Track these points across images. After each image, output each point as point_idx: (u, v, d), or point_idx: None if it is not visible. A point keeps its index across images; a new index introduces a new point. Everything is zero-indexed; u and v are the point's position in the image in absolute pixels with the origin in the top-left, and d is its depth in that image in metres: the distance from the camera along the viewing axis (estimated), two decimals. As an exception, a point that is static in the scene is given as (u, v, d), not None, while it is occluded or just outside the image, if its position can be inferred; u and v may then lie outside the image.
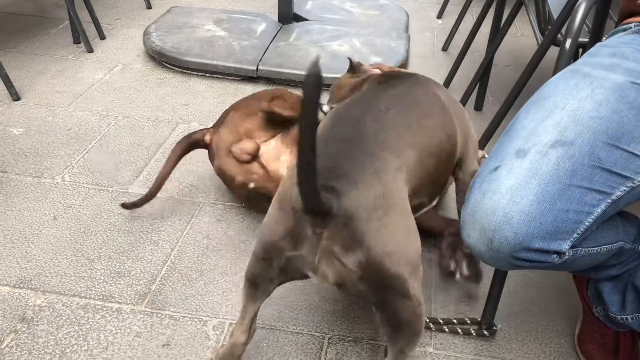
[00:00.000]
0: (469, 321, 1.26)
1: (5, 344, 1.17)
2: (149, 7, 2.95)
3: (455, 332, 1.25)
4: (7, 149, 1.79)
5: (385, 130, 0.99)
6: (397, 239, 0.88)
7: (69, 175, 1.68)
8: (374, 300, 0.91)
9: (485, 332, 1.23)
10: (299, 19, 2.73)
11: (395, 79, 1.18)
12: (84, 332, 1.21)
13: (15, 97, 2.06)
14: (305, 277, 0.93)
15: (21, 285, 1.31)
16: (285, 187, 0.92)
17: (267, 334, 1.24)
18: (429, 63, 2.53)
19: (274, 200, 0.95)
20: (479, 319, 1.25)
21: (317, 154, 0.79)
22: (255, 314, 1.05)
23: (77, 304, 1.27)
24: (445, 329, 1.24)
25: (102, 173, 1.70)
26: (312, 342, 1.22)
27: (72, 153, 1.78)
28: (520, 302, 1.36)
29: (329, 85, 2.27)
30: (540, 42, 1.56)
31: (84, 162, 1.74)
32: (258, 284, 1.00)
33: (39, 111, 2.00)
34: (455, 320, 1.26)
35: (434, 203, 1.21)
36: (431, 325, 1.24)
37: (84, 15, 2.52)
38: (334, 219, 0.84)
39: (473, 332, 1.24)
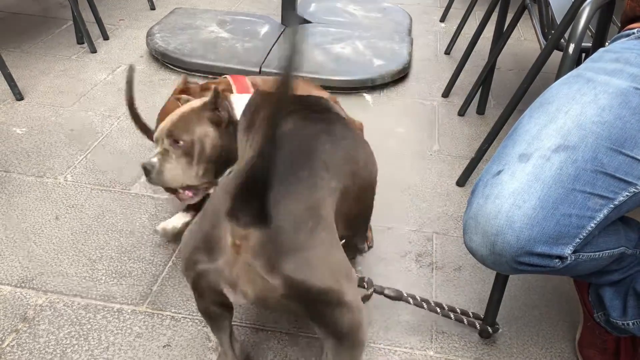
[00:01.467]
0: (472, 315, 1.26)
1: (6, 344, 1.17)
2: (152, 8, 2.95)
3: (460, 321, 1.24)
4: (9, 148, 1.79)
5: (334, 153, 0.98)
6: (323, 252, 0.82)
7: (72, 176, 1.69)
8: (308, 315, 0.85)
9: (489, 329, 1.23)
10: (302, 21, 2.73)
11: (315, 111, 1.14)
12: (85, 332, 1.21)
13: (19, 96, 2.06)
14: (221, 295, 0.84)
15: (23, 284, 1.31)
16: (215, 193, 0.89)
17: (267, 335, 1.24)
18: (431, 66, 2.53)
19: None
20: (481, 316, 1.25)
21: (258, 164, 0.75)
22: (231, 336, 1.04)
23: (78, 304, 1.27)
24: (451, 315, 1.24)
25: (104, 173, 1.70)
26: (314, 344, 1.22)
27: (75, 153, 1.79)
28: (521, 306, 1.36)
29: (331, 88, 2.27)
30: (543, 46, 1.57)
31: (87, 163, 1.75)
32: (209, 314, 0.97)
33: (42, 111, 2.00)
34: (459, 310, 1.26)
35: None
36: (437, 309, 1.24)
37: (87, 16, 2.52)
38: (259, 228, 0.77)
39: (477, 326, 1.24)
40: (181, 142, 1.24)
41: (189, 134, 1.24)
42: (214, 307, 0.95)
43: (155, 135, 1.29)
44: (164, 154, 1.26)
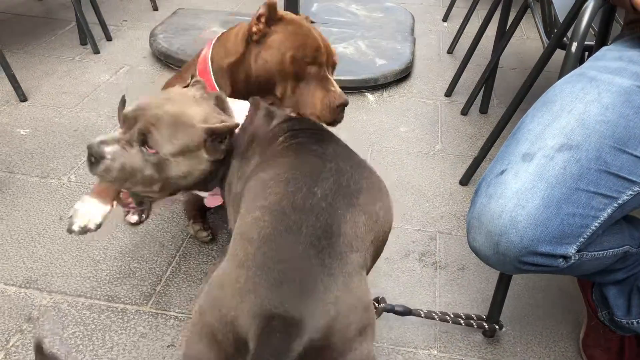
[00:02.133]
0: (475, 317, 1.26)
1: (11, 344, 1.17)
2: (155, 9, 2.96)
3: (470, 326, 1.24)
4: (14, 149, 1.79)
5: (355, 223, 0.85)
6: (370, 350, 0.79)
7: (75, 176, 1.69)
8: None
9: (494, 327, 1.23)
10: (304, 21, 2.73)
11: (329, 146, 1.00)
12: (89, 332, 1.21)
13: (23, 97, 2.07)
14: None
15: (27, 285, 1.32)
16: (226, 294, 0.75)
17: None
18: (434, 65, 2.53)
19: (194, 323, 0.78)
20: (484, 317, 1.25)
21: (274, 255, 0.74)
22: None
23: (82, 304, 1.28)
24: (461, 321, 1.25)
25: (108, 174, 1.70)
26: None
27: (79, 154, 1.79)
28: (525, 305, 1.35)
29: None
30: (546, 45, 1.56)
31: (90, 163, 1.75)
32: None
33: (45, 112, 2.01)
34: (464, 315, 1.26)
35: None
36: (447, 317, 1.24)
37: (90, 17, 2.53)
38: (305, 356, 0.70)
39: (485, 326, 1.23)
40: (159, 153, 0.96)
41: (173, 147, 0.96)
42: None
43: (127, 113, 1.00)
44: (127, 145, 0.97)
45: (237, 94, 1.15)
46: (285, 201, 0.84)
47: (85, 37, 2.50)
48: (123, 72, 2.32)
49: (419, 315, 1.23)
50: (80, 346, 1.18)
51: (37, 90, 2.14)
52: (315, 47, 1.13)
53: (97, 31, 2.56)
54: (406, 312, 1.21)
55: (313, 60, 1.13)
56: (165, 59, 2.37)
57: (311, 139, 1.00)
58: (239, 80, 1.16)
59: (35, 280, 1.33)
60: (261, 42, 1.14)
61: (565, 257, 0.89)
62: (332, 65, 1.18)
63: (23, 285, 1.32)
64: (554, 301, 1.37)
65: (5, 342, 1.18)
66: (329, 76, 1.15)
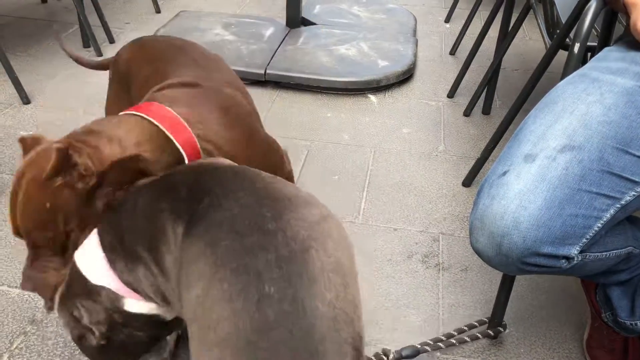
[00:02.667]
0: (477, 324, 1.26)
1: (14, 346, 1.18)
2: (158, 11, 2.96)
3: (475, 338, 1.22)
4: (17, 152, 1.80)
5: (325, 300, 0.69)
6: None
7: (78, 179, 1.69)
8: None
9: (498, 329, 1.22)
10: (307, 23, 2.73)
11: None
12: (92, 335, 1.21)
13: (25, 100, 2.07)
14: None
15: (31, 287, 1.32)
16: None
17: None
18: (436, 67, 2.53)
19: None
20: (486, 320, 1.24)
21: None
22: None
23: (86, 306, 1.28)
24: (467, 338, 1.22)
25: (111, 176, 1.71)
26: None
27: (82, 156, 1.79)
28: (528, 306, 1.35)
29: (336, 90, 2.28)
30: (548, 46, 1.56)
31: (93, 166, 1.75)
32: None
33: (48, 115, 2.01)
34: (467, 327, 1.25)
35: None
36: (452, 341, 1.22)
37: (93, 20, 2.53)
38: None
39: (490, 333, 1.23)
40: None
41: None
42: None
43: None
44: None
45: None
46: (241, 323, 0.66)
47: (88, 40, 2.51)
48: (126, 74, 2.32)
49: (427, 352, 1.20)
50: (84, 348, 1.18)
51: (40, 93, 2.15)
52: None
53: (100, 34, 2.57)
54: (414, 353, 1.18)
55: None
56: (167, 62, 2.37)
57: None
58: None
59: (38, 283, 1.33)
60: None
61: (568, 258, 0.89)
62: None
63: (27, 288, 1.32)
64: (558, 302, 1.37)
65: (9, 344, 1.18)
66: None
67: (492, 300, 1.23)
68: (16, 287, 1.32)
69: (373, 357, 1.15)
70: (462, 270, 1.44)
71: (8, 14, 2.82)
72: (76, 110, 2.04)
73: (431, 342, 1.20)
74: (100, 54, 2.46)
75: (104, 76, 2.31)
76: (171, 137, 0.92)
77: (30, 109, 2.04)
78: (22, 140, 0.94)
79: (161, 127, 0.92)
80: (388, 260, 1.46)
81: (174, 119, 0.93)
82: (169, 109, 0.95)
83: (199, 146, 0.94)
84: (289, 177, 1.27)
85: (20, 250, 1.41)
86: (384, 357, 1.14)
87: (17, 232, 0.88)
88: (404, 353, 1.17)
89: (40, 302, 1.28)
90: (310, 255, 0.71)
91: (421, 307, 1.32)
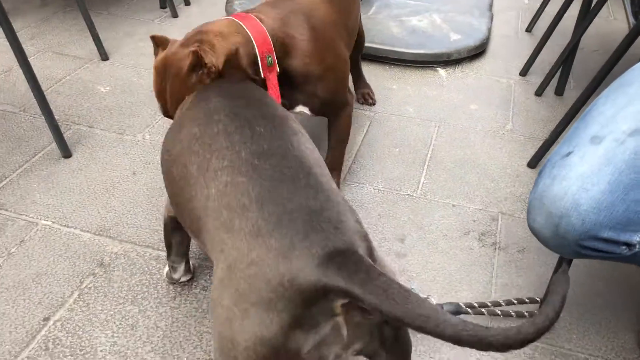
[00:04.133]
0: (527, 300, 1.24)
1: (84, 285, 1.26)
2: (233, -25, 3.00)
3: (521, 316, 1.23)
4: (94, 105, 1.89)
5: (308, 148, 0.85)
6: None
7: (149, 135, 1.77)
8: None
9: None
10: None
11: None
12: (154, 281, 1.28)
13: (104, 56, 2.17)
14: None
15: (101, 232, 1.41)
16: (271, 264, 0.67)
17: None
18: (511, 43, 2.45)
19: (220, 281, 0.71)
20: (537, 299, 1.23)
21: (289, 215, 0.69)
22: None
23: (149, 254, 1.35)
24: (512, 312, 1.23)
25: (179, 134, 1.77)
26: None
27: (153, 113, 1.87)
28: (584, 293, 1.32)
29: (405, 61, 2.25)
30: (632, 26, 1.48)
31: (164, 122, 1.82)
32: None
33: (124, 71, 2.10)
34: (515, 301, 1.25)
35: None
36: (497, 310, 1.23)
37: (171, -19, 2.60)
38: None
39: (526, 314, 1.22)
40: None
41: None
42: None
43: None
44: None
45: None
46: (243, 152, 0.79)
47: (164, 1, 2.58)
48: (199, 36, 2.38)
49: (468, 314, 1.21)
50: (146, 293, 1.25)
51: (118, 51, 2.24)
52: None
53: (176, -5, 2.63)
54: (454, 311, 1.20)
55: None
56: (240, 25, 2.41)
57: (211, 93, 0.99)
58: None
59: (108, 229, 1.42)
60: None
61: (629, 245, 0.87)
62: None
63: (97, 233, 1.40)
64: (616, 291, 1.33)
65: (80, 283, 1.27)
66: None
67: (547, 283, 1.21)
68: (88, 231, 1.40)
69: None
70: (518, 251, 1.42)
71: (92, -28, 2.93)
72: (150, 69, 2.12)
73: (476, 305, 1.22)
74: (175, 14, 2.52)
75: (176, 36, 2.37)
76: (248, 32, 1.18)
77: (108, 65, 2.14)
78: (153, 38, 1.19)
79: (242, 24, 1.18)
80: (444, 236, 1.45)
81: (252, 19, 1.20)
82: (251, 14, 1.22)
83: (269, 39, 1.20)
84: (345, 104, 1.43)
85: (92, 197, 1.49)
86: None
87: (163, 100, 1.16)
88: (444, 307, 1.19)
89: (108, 247, 1.36)
90: (290, 120, 0.88)
91: (474, 284, 1.32)
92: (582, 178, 0.85)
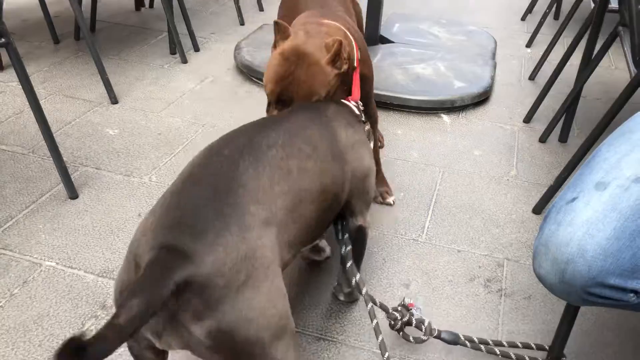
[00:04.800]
0: (534, 346, 1.22)
1: (86, 327, 1.25)
2: (242, 23, 3.08)
3: (508, 357, 1.21)
4: (102, 147, 1.92)
5: (258, 176, 0.90)
6: (256, 304, 0.80)
7: (156, 177, 1.78)
8: None
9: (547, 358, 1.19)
10: (384, 40, 2.76)
11: (298, 108, 1.15)
12: (156, 325, 1.27)
13: (114, 100, 2.21)
14: (150, 342, 0.83)
15: (104, 274, 1.40)
16: (137, 233, 0.85)
17: (327, 345, 1.25)
18: (514, 91, 2.48)
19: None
20: (546, 347, 1.21)
21: (176, 202, 0.82)
22: None
23: (153, 297, 1.34)
24: (511, 354, 1.21)
25: (185, 177, 1.79)
26: (373, 358, 1.23)
27: (161, 156, 1.89)
28: (593, 342, 1.30)
29: (409, 107, 2.28)
30: (633, 75, 1.51)
31: (171, 165, 1.84)
32: (141, 358, 0.90)
33: (133, 115, 2.13)
34: (521, 344, 1.23)
35: (317, 241, 1.16)
36: (496, 350, 1.21)
37: (181, 28, 2.67)
38: (185, 288, 0.75)
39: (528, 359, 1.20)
40: None
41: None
42: (147, 352, 0.90)
43: None
44: None
45: None
46: (196, 163, 0.93)
47: (175, 47, 2.64)
48: (208, 82, 2.42)
49: (465, 345, 1.20)
50: (148, 337, 1.24)
51: (128, 94, 2.28)
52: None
53: (186, 42, 2.70)
54: (453, 341, 1.19)
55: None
56: (247, 72, 2.46)
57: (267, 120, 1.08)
58: None
59: (111, 271, 1.41)
60: None
61: (636, 292, 0.86)
62: None
63: (100, 275, 1.40)
64: (626, 341, 1.31)
65: (81, 326, 1.26)
66: None
67: (554, 331, 1.19)
68: (91, 272, 1.40)
69: (398, 307, 1.21)
70: (525, 298, 1.41)
71: (106, 20, 3.01)
72: (158, 112, 2.15)
73: (475, 340, 1.20)
74: (185, 60, 2.58)
75: (184, 81, 2.43)
76: (351, 37, 1.32)
77: (117, 108, 2.17)
78: (277, 24, 1.24)
79: (342, 27, 1.32)
80: (449, 281, 1.44)
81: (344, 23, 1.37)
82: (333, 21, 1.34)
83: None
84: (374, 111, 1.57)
85: (99, 238, 1.49)
86: (423, 327, 1.17)
87: (273, 93, 1.22)
88: (443, 335, 1.19)
89: (112, 289, 1.35)
90: (273, 149, 0.97)
91: (480, 331, 1.30)
92: (588, 224, 0.85)
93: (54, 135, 1.65)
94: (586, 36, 1.98)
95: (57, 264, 1.43)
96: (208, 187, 0.86)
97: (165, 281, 0.73)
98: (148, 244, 0.79)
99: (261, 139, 0.97)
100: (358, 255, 1.28)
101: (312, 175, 1.00)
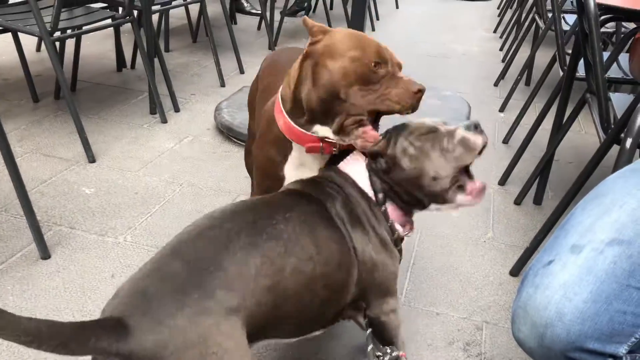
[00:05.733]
0: None
1: (51, 395, 1.19)
2: (222, 85, 3.13)
3: None
4: (77, 206, 1.89)
5: (245, 262, 0.87)
6: None
7: (131, 236, 1.76)
8: None
9: None
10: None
11: (310, 188, 1.08)
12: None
13: (91, 159, 2.20)
14: None
15: (74, 338, 1.35)
16: (114, 294, 0.85)
17: None
18: (489, 154, 2.53)
19: None
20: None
21: (150, 270, 0.83)
22: None
23: (123, 362, 1.29)
24: None
25: (162, 236, 1.76)
26: None
27: (137, 215, 1.87)
28: (574, 408, 1.28)
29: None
30: (602, 140, 1.56)
31: (147, 225, 1.82)
32: None
33: (110, 174, 2.12)
34: None
35: (316, 332, 1.08)
36: None
37: (162, 89, 2.70)
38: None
39: None
40: None
41: None
42: None
43: None
44: None
45: (314, 119, 1.12)
46: (191, 231, 0.92)
47: (155, 107, 2.66)
48: (187, 141, 2.43)
49: None
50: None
51: (106, 153, 2.27)
52: (374, 46, 1.10)
53: (166, 102, 2.72)
54: None
55: (376, 58, 1.08)
56: (227, 132, 2.48)
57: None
58: (309, 103, 1.11)
59: (81, 335, 1.36)
60: (315, 55, 1.11)
61: (615, 357, 0.86)
62: (398, 65, 1.14)
63: (70, 339, 1.35)
64: (606, 407, 1.29)
65: (46, 393, 1.20)
66: (398, 72, 1.12)
67: (535, 396, 1.18)
68: (60, 337, 1.35)
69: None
70: (504, 363, 1.39)
71: (87, 80, 3.04)
72: (136, 172, 2.15)
73: None
74: (164, 120, 2.59)
75: (163, 140, 2.43)
76: None
77: (95, 167, 2.16)
78: (311, 26, 1.12)
79: None
80: (428, 345, 1.42)
81: None
82: None
83: None
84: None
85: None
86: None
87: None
88: None
89: (81, 354, 1.30)
90: (272, 240, 0.93)
91: (459, 397, 1.28)
92: (565, 287, 0.85)
93: (29, 193, 1.62)
94: (556, 102, 2.05)
95: (24, 327, 1.37)
96: (186, 261, 0.85)
97: (107, 352, 0.74)
98: (109, 308, 0.81)
99: (266, 225, 0.93)
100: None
101: (307, 278, 0.95)
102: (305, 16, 1.16)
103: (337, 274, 1.00)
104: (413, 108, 1.13)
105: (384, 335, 1.14)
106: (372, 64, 1.07)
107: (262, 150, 1.25)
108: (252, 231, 0.91)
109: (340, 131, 1.11)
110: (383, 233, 1.10)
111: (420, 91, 1.11)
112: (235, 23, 4.52)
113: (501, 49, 4.25)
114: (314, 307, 0.98)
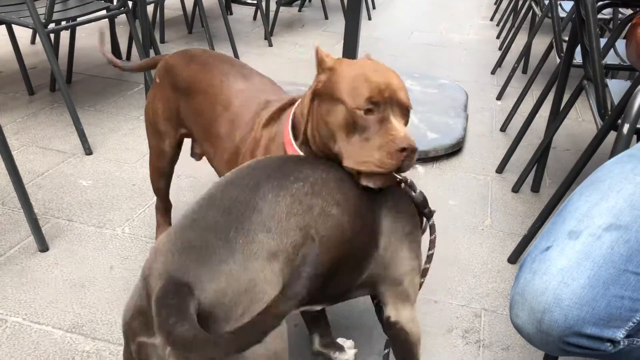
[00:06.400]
0: None
1: (51, 387, 1.20)
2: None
3: None
4: (75, 199, 1.89)
5: (276, 203, 0.87)
6: (251, 340, 0.73)
7: (129, 228, 1.76)
8: None
9: None
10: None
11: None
12: (126, 382, 1.22)
13: (88, 151, 2.19)
14: None
15: (73, 330, 1.35)
16: (151, 255, 0.82)
17: None
18: (486, 142, 2.54)
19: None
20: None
21: (189, 224, 0.81)
22: None
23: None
24: None
25: (160, 228, 1.76)
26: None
27: (134, 207, 1.86)
28: (572, 393, 1.29)
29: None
30: (599, 126, 1.56)
31: (144, 217, 1.82)
32: None
33: (108, 166, 2.11)
34: None
35: (324, 305, 1.07)
36: None
37: (158, 80, 2.68)
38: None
39: None
40: None
41: None
42: None
43: None
44: None
45: (322, 153, 1.07)
46: (222, 182, 0.91)
47: (151, 99, 2.65)
48: (183, 132, 2.42)
49: None
50: (117, 395, 1.19)
51: (102, 145, 2.27)
52: (374, 87, 1.00)
53: (163, 94, 2.71)
54: None
55: (368, 105, 0.99)
56: (223, 123, 2.47)
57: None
58: (312, 141, 1.07)
59: (81, 326, 1.37)
60: (318, 95, 1.06)
61: (613, 342, 0.86)
62: (398, 105, 1.02)
63: (69, 330, 1.35)
64: (604, 392, 1.30)
65: (47, 385, 1.20)
66: (391, 118, 1.00)
67: (533, 382, 1.18)
68: (60, 328, 1.35)
69: None
70: (503, 349, 1.39)
71: (83, 72, 3.02)
72: (133, 163, 2.14)
73: None
74: (161, 112, 2.58)
75: (162, 133, 2.41)
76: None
77: (92, 159, 2.15)
78: (320, 60, 1.07)
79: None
80: (426, 333, 1.43)
81: None
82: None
83: None
84: None
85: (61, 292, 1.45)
86: None
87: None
88: None
89: (80, 346, 1.31)
90: (299, 182, 0.92)
91: (458, 384, 1.28)
92: (562, 272, 0.85)
93: (26, 186, 1.62)
94: (554, 89, 2.05)
95: (23, 319, 1.38)
96: (222, 209, 0.84)
97: (185, 313, 0.71)
98: (158, 271, 0.78)
99: (293, 169, 0.94)
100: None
101: (334, 222, 0.92)
102: (319, 46, 1.09)
103: (360, 236, 0.98)
104: (397, 170, 1.00)
105: (404, 347, 1.09)
106: (363, 112, 0.98)
107: None
108: (279, 174, 0.91)
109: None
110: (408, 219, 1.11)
111: (404, 149, 0.97)
112: (231, 13, 4.50)
113: (498, 37, 4.24)
114: (338, 260, 0.95)
